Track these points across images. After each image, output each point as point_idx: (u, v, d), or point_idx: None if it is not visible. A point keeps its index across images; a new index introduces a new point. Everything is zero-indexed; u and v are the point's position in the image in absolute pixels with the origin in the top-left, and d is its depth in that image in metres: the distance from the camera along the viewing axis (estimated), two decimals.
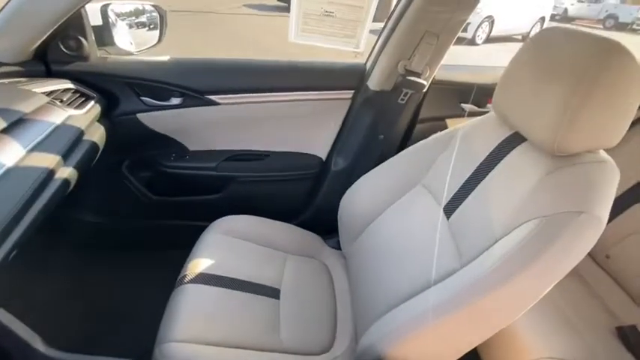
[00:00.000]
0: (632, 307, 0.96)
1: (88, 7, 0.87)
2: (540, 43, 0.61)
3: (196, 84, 1.02)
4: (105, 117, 0.96)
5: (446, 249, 0.67)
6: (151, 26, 1.14)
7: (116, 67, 0.99)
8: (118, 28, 1.03)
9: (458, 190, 0.72)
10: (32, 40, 0.82)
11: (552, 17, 8.73)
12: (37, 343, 0.46)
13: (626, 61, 0.50)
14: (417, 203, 0.80)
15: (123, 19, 1.09)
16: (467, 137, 0.77)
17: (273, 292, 0.83)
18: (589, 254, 1.09)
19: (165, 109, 1.04)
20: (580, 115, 0.52)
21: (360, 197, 0.91)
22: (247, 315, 0.76)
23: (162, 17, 1.07)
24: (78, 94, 0.89)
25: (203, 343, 0.68)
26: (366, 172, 0.92)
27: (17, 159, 0.61)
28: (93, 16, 0.93)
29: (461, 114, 1.18)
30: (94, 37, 0.93)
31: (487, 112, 0.76)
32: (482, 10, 6.33)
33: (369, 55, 1.10)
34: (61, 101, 0.81)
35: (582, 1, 11.46)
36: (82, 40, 0.90)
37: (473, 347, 0.61)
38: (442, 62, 1.04)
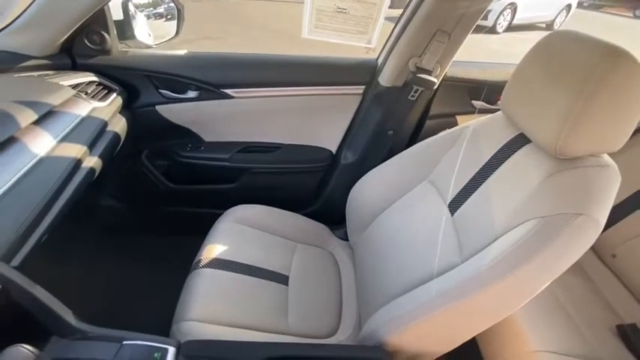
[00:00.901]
0: (634, 306, 0.97)
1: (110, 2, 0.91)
2: (549, 45, 0.61)
3: (212, 78, 1.05)
4: (126, 108, 1.00)
5: (449, 244, 0.69)
6: (168, 17, 1.17)
7: (136, 61, 1.03)
8: (137, 20, 1.07)
9: (463, 188, 0.74)
10: (59, 35, 0.87)
11: (579, 4, 8.29)
12: (69, 317, 0.49)
13: (631, 67, 0.50)
14: (422, 199, 0.83)
15: (141, 11, 1.12)
16: (474, 135, 0.78)
17: (283, 279, 0.87)
18: (595, 253, 1.10)
19: (182, 101, 1.08)
20: (583, 119, 0.52)
21: (368, 191, 0.94)
22: (257, 299, 0.81)
23: (179, 11, 1.10)
24: (101, 87, 0.93)
25: (216, 323, 0.73)
26: (375, 166, 0.94)
27: (48, 149, 0.65)
28: (114, 10, 0.97)
29: (472, 111, 1.18)
30: (115, 32, 0.97)
31: (498, 109, 0.77)
32: None
33: (381, 52, 1.10)
34: (86, 94, 0.86)
35: None
36: (105, 34, 0.94)
37: (469, 338, 0.64)
38: (454, 58, 1.04)
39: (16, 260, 0.52)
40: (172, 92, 1.07)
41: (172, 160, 1.19)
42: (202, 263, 0.83)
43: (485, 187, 0.70)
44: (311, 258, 0.97)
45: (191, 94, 1.08)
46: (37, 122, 0.67)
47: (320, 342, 0.78)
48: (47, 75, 0.85)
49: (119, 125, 0.92)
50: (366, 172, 0.95)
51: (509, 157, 0.68)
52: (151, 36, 1.12)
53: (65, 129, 0.72)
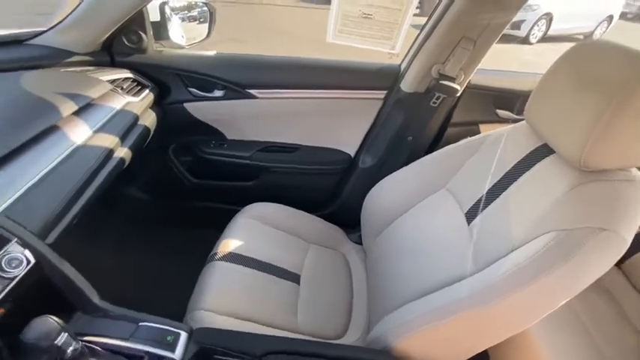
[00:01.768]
0: None
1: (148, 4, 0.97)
2: (577, 55, 0.59)
3: (238, 78, 1.09)
4: (157, 104, 1.06)
5: (463, 253, 0.68)
6: (201, 20, 1.23)
7: (169, 60, 1.09)
8: (172, 22, 1.13)
9: (481, 197, 0.72)
10: (101, 34, 0.94)
11: (622, 15, 7.85)
12: (94, 296, 0.53)
13: None
14: (439, 206, 0.82)
15: (177, 13, 1.19)
16: (496, 144, 0.76)
17: (294, 277, 0.89)
18: (624, 273, 1.04)
19: (209, 99, 1.12)
20: (610, 131, 0.51)
21: (385, 196, 0.94)
22: (269, 295, 0.83)
23: (211, 14, 1.15)
24: (135, 83, 0.99)
25: (227, 315, 0.75)
26: (393, 171, 0.94)
27: (84, 138, 0.70)
28: (152, 12, 1.03)
29: (495, 120, 1.15)
30: (152, 32, 1.03)
31: (522, 119, 0.75)
32: (539, 6, 5.87)
33: (404, 57, 1.10)
34: (122, 89, 0.92)
35: None
36: (142, 34, 1.00)
37: (480, 350, 0.62)
38: (479, 66, 1.03)
39: (50, 238, 0.56)
40: (200, 91, 1.12)
41: (196, 156, 1.24)
42: (218, 256, 0.86)
43: (505, 197, 0.68)
44: (323, 259, 0.97)
45: (217, 93, 1.12)
46: (76, 113, 0.72)
47: (327, 343, 0.78)
48: (88, 70, 0.92)
49: (149, 120, 0.97)
50: (384, 177, 0.95)
51: (531, 167, 0.66)
52: (184, 37, 1.18)
53: (101, 120, 0.77)
